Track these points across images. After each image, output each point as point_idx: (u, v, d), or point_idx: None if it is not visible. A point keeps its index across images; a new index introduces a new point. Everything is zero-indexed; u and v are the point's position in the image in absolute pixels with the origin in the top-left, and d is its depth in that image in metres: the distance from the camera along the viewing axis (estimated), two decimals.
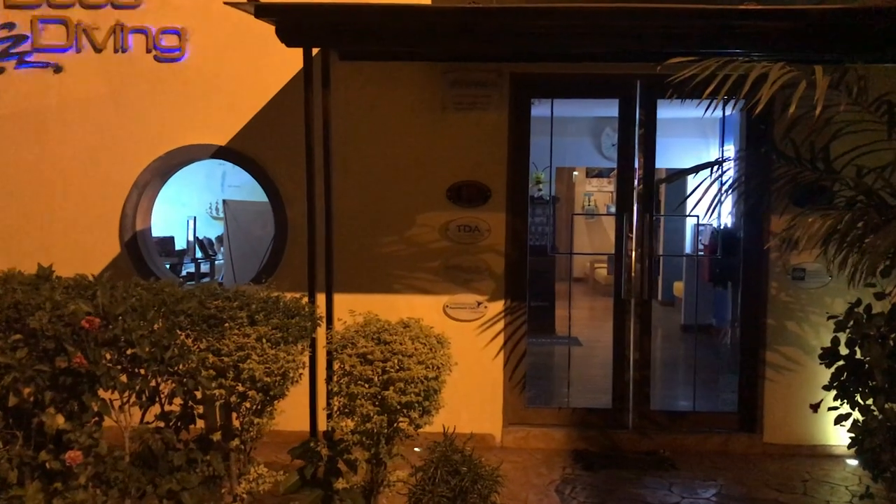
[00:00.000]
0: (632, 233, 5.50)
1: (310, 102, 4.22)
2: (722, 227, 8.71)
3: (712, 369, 7.56)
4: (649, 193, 5.57)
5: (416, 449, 4.64)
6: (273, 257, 5.57)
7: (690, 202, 4.47)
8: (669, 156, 9.33)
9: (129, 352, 3.40)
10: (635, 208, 5.53)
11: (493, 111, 5.45)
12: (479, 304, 5.55)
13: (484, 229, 5.51)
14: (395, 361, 3.42)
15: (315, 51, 4.45)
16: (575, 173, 15.96)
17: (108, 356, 3.26)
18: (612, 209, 5.77)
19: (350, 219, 5.50)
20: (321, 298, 4.36)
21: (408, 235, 5.55)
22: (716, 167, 4.48)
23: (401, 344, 3.49)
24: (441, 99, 5.44)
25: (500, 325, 5.58)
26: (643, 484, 4.87)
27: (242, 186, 9.90)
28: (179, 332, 3.60)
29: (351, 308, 4.12)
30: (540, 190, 10.17)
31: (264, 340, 3.50)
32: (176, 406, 3.78)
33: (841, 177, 3.83)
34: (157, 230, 11.37)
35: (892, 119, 3.35)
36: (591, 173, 15.79)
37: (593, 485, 4.85)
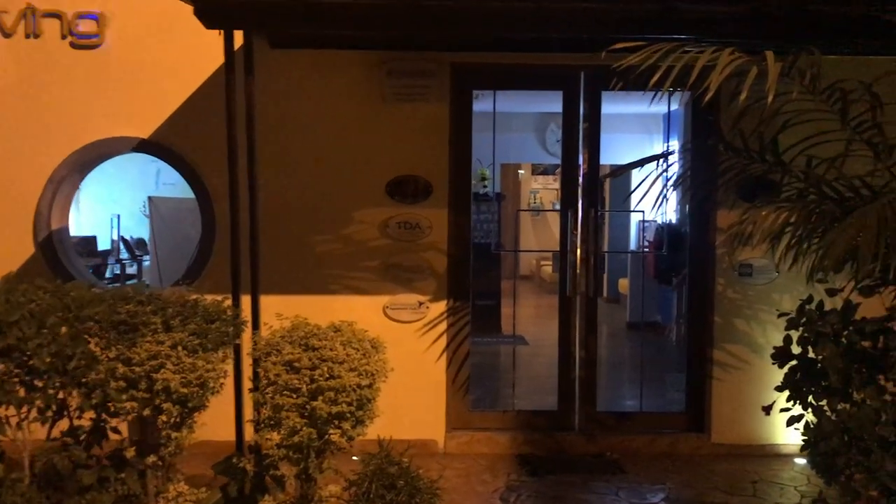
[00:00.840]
0: (577, 229, 5.33)
1: (232, 90, 3.93)
2: (667, 224, 8.64)
3: (659, 368, 7.46)
4: (594, 189, 5.41)
5: (355, 458, 4.39)
6: (200, 257, 5.24)
7: (636, 197, 4.31)
8: (614, 152, 9.20)
9: (30, 363, 3.09)
10: (580, 204, 5.36)
11: (434, 102, 5.21)
12: (421, 304, 5.31)
13: (425, 226, 5.27)
14: (325, 369, 3.16)
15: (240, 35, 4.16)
16: (521, 171, 15.84)
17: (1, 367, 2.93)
18: (558, 206, 5.56)
19: (283, 216, 5.21)
20: (247, 301, 4.07)
21: (345, 233, 5.28)
22: (661, 160, 4.32)
23: (331, 350, 3.23)
24: (379, 89, 5.18)
25: (443, 325, 5.35)
26: (590, 489, 4.70)
27: (178, 184, 9.46)
28: (89, 340, 3.29)
29: (285, 311, 3.85)
30: (485, 187, 9.98)
31: (180, 348, 3.19)
32: (87, 420, 3.46)
33: (791, 169, 3.70)
34: (86, 230, 10.91)
35: (846, 107, 3.22)
36: (537, 171, 15.69)
37: (539, 491, 4.65)
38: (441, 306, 5.34)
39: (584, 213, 5.34)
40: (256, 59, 5.16)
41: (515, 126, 9.98)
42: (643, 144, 9.91)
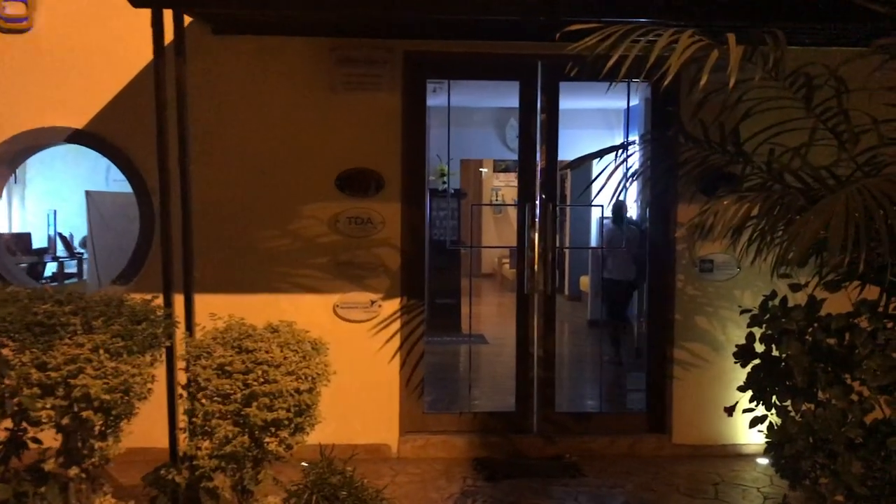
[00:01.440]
0: (534, 224, 5.15)
1: (161, 74, 3.68)
2: (627, 220, 8.53)
3: (620, 367, 7.34)
4: (552, 182, 5.23)
5: (305, 463, 4.16)
6: (138, 255, 4.96)
7: (596, 190, 4.14)
8: (574, 148, 8.96)
9: None
10: (538, 198, 5.19)
11: (386, 92, 4.99)
12: (373, 302, 5.09)
13: (377, 221, 5.05)
14: (260, 373, 2.93)
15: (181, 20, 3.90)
16: (484, 170, 15.67)
17: None
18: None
19: (227, 210, 4.96)
20: (182, 301, 3.81)
21: (293, 228, 5.03)
22: (620, 151, 4.15)
23: (267, 352, 2.99)
24: (328, 78, 4.95)
25: (396, 325, 5.14)
26: (549, 494, 4.52)
27: None
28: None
29: (228, 311, 3.62)
30: (444, 183, 9.78)
31: (102, 351, 2.93)
32: (2, 431, 3.18)
33: (753, 160, 3.54)
34: (32, 227, 10.45)
35: (810, 93, 3.07)
36: (499, 168, 15.54)
37: (496, 497, 4.46)
38: (394, 304, 5.12)
39: (542, 207, 5.17)
40: (199, 46, 4.93)
41: (475, 121, 9.81)
42: (604, 140, 9.72)
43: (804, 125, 3.27)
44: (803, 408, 2.98)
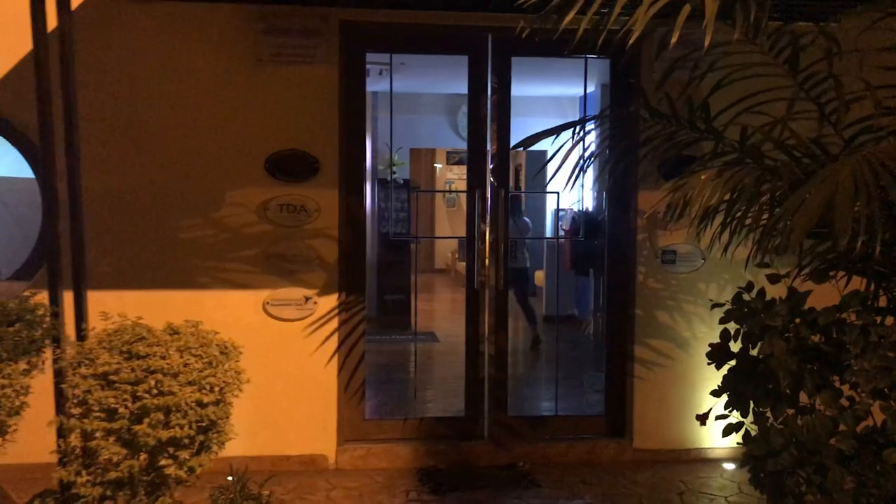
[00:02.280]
0: (485, 213, 4.73)
1: (41, 34, 3.15)
2: (584, 211, 8.17)
3: (577, 365, 6.97)
4: (504, 167, 4.82)
5: (230, 478, 3.69)
6: (40, 248, 4.40)
7: (550, 170, 3.74)
8: (526, 135, 8.71)
9: None
10: (489, 184, 4.77)
11: (321, 66, 4.51)
12: (308, 299, 4.61)
13: (312, 209, 4.57)
14: (153, 383, 2.44)
15: None
16: (438, 166, 15.24)
17: None
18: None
19: (143, 197, 4.45)
20: (73, 298, 3.30)
21: (217, 217, 4.53)
22: (578, 129, 3.75)
23: (162, 358, 2.51)
24: (255, 50, 4.45)
25: (334, 323, 4.66)
26: None
27: None
28: None
29: (139, 310, 3.16)
30: (394, 173, 9.31)
31: None
32: None
33: (724, 137, 3.17)
34: None
35: (796, 54, 2.69)
36: (452, 160, 15.11)
37: None
38: (331, 301, 4.65)
39: (494, 194, 4.75)
40: (113, 16, 4.40)
41: (425, 108, 9.37)
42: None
43: (782, 96, 2.90)
44: (786, 415, 2.61)
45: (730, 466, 4.64)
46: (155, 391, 2.44)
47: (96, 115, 4.34)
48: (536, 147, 4.48)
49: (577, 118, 8.94)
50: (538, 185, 9.78)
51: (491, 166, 4.78)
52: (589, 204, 8.61)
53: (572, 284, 9.02)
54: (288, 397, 4.63)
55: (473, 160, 4.82)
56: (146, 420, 2.41)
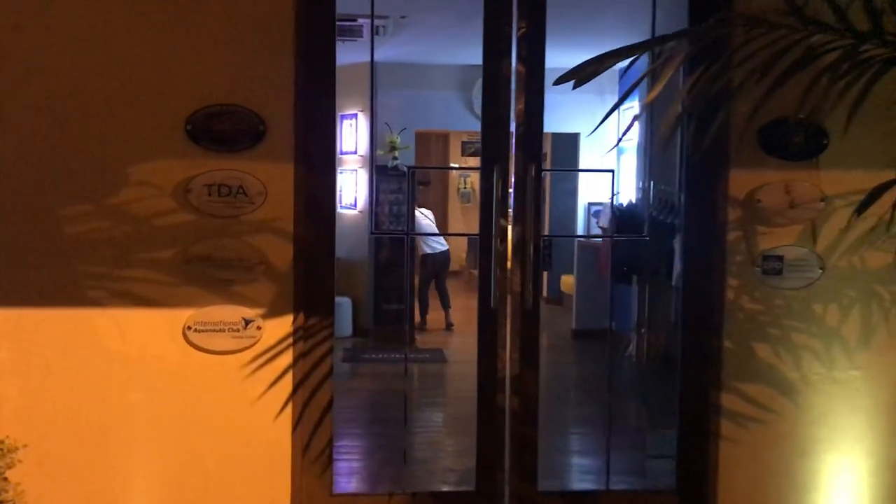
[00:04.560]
0: (506, 199, 3.27)
1: None
2: (630, 205, 6.72)
3: (624, 401, 5.48)
4: (536, 129, 3.35)
5: None
6: None
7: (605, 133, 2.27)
8: (558, 117, 7.25)
9: None
10: (512, 157, 3.30)
11: None
12: (248, 322, 3.17)
13: (254, 192, 3.13)
14: None
15: None
16: (454, 165, 13.72)
17: None
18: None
19: (8, 175, 3.03)
20: None
21: (117, 202, 3.10)
22: (656, 52, 2.28)
23: None
24: None
25: (287, 358, 3.22)
26: None
27: None
28: None
29: None
30: (395, 159, 7.86)
31: None
32: None
33: None
34: None
35: None
36: (468, 150, 13.60)
37: None
38: (283, 325, 3.21)
39: (520, 172, 3.28)
40: None
41: (434, 82, 7.90)
42: (594, 106, 7.93)
43: None
44: None
45: None
46: None
47: None
48: (566, 129, 3.08)
49: (614, 95, 7.46)
50: (565, 176, 8.32)
51: (516, 131, 3.31)
52: (628, 196, 7.14)
53: (608, 292, 7.54)
54: (218, 464, 3.19)
55: (490, 122, 3.35)
56: None
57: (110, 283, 3.11)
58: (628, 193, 7.22)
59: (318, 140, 3.24)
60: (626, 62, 2.31)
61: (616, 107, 2.28)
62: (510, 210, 3.25)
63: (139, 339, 3.13)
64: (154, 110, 3.09)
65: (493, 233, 3.23)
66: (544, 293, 9.73)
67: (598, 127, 2.57)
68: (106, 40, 3.05)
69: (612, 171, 3.80)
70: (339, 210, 8.19)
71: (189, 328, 3.14)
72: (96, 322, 3.10)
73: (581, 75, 2.15)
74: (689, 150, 3.38)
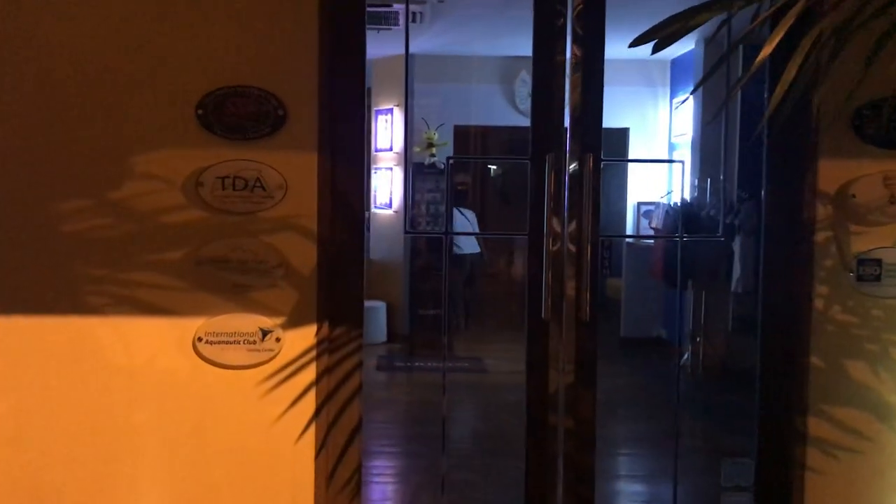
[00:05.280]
0: (560, 195, 2.86)
1: None
2: (685, 204, 6.24)
3: (681, 418, 5.00)
4: (594, 115, 2.94)
5: None
6: None
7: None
8: (604, 111, 6.81)
9: None
10: (566, 147, 2.89)
11: None
12: (267, 333, 2.80)
13: (274, 185, 2.77)
14: None
15: None
16: (492, 167, 13.24)
17: None
18: None
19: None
20: None
21: (119, 197, 2.76)
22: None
23: None
24: None
25: (310, 373, 2.85)
26: None
27: None
28: None
29: None
30: (433, 156, 7.48)
31: None
32: None
33: None
34: None
35: None
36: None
37: None
38: (306, 336, 2.84)
39: (575, 161, 2.87)
40: None
41: (473, 74, 7.50)
42: (643, 99, 7.49)
43: None
44: None
45: None
46: None
47: None
48: (614, 123, 2.67)
49: (665, 87, 6.98)
50: (613, 174, 7.87)
51: (571, 114, 2.90)
52: (681, 195, 6.67)
53: (659, 297, 7.08)
54: (234, 493, 2.83)
55: (541, 107, 2.94)
56: None
57: (112, 288, 2.77)
58: (681, 192, 6.75)
59: (346, 127, 2.86)
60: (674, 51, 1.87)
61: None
62: (564, 206, 2.84)
63: (145, 352, 2.78)
64: (161, 93, 2.74)
65: (546, 232, 2.82)
66: None
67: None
68: (107, 14, 2.71)
69: (682, 161, 3.35)
70: (373, 210, 7.86)
71: (200, 339, 2.78)
72: (97, 332, 2.76)
73: (663, 34, 1.72)
74: (768, 136, 2.94)
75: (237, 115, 2.74)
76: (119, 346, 2.77)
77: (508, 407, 4.68)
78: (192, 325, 2.78)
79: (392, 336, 7.36)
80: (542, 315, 2.84)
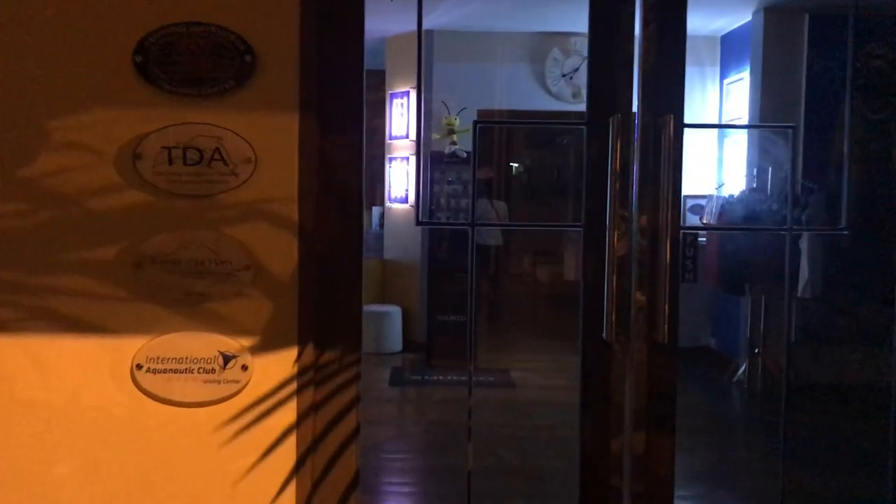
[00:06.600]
0: (628, 174, 2.10)
1: None
2: (737, 196, 5.48)
3: (747, 443, 4.24)
4: (676, 66, 2.18)
5: None
6: None
7: None
8: None
9: None
10: (636, 106, 2.14)
11: None
12: (230, 359, 2.08)
13: (239, 158, 2.04)
14: None
15: None
16: (514, 165, 12.47)
17: None
18: None
19: None
20: None
21: (31, 175, 2.04)
22: None
23: None
24: None
25: (289, 412, 2.12)
26: None
27: None
28: None
29: None
30: (454, 143, 6.74)
31: None
32: None
33: None
34: None
35: None
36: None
37: None
38: (284, 363, 2.11)
39: (646, 130, 2.12)
40: None
41: (499, 53, 6.74)
42: (690, 81, 6.69)
43: None
44: None
45: None
46: None
47: None
48: None
49: (716, 67, 6.19)
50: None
51: (642, 67, 2.14)
52: (736, 187, 5.89)
53: (711, 303, 6.30)
54: None
55: (601, 57, 2.18)
56: None
57: (24, 298, 2.05)
58: (734, 184, 5.97)
59: (336, 83, 2.13)
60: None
61: None
62: (633, 184, 2.09)
63: (67, 383, 2.07)
64: (85, 33, 2.02)
65: (610, 215, 2.06)
66: None
67: None
68: None
69: (793, 126, 2.62)
70: (387, 204, 7.13)
71: (140, 366, 2.06)
72: (2, 356, 2.05)
73: None
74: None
75: (190, 62, 2.01)
76: (33, 375, 2.06)
77: (543, 433, 3.94)
78: (130, 348, 2.06)
79: (408, 344, 6.62)
80: (604, 335, 2.08)
